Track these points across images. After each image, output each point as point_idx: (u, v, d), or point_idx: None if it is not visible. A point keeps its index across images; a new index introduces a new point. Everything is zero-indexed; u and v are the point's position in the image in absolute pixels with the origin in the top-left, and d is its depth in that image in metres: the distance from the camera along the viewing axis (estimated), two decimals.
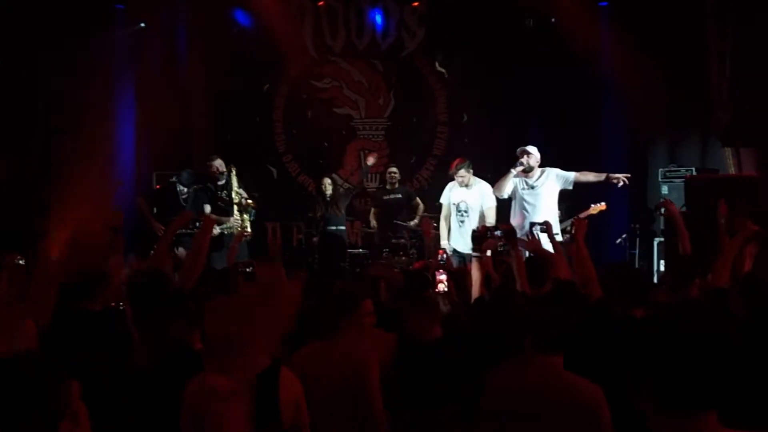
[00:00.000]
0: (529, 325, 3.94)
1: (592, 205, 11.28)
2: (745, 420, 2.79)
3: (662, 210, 11.42)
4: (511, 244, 6.09)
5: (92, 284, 5.50)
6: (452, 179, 11.36)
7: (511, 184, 10.60)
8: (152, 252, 6.30)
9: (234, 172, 11.50)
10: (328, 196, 12.44)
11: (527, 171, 10.55)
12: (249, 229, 11.38)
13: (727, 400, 2.55)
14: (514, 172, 10.53)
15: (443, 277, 6.30)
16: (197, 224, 10.08)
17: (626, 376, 2.62)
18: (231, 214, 11.44)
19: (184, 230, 10.33)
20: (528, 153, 10.55)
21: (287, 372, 3.87)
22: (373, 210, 12.98)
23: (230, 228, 11.36)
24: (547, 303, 5.38)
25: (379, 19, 14.70)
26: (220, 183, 11.54)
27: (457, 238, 11.17)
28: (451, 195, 11.45)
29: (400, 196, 12.48)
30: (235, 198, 11.43)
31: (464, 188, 11.26)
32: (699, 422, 2.54)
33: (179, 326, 4.58)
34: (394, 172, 12.70)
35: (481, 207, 11.18)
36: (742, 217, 6.59)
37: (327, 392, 4.32)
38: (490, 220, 11.05)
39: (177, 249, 10.71)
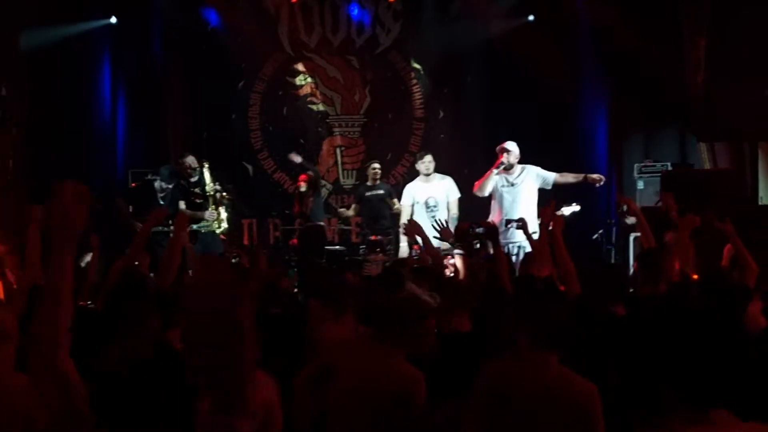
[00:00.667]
0: (523, 323, 3.91)
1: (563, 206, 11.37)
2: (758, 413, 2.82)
3: (624, 208, 11.55)
4: (493, 241, 6.07)
5: None
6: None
7: (492, 183, 10.63)
8: (128, 250, 6.23)
9: (207, 167, 11.47)
10: (302, 189, 12.26)
11: (507, 168, 10.57)
12: (225, 224, 11.38)
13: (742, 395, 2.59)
14: (495, 171, 10.56)
15: (452, 261, 6.33)
16: (171, 222, 10.07)
17: (622, 372, 2.64)
18: (206, 208, 11.40)
19: (160, 228, 10.30)
20: (507, 150, 10.59)
21: None
22: (353, 205, 12.89)
23: (207, 223, 11.34)
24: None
25: (356, 12, 14.63)
26: (192, 180, 11.50)
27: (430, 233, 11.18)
28: (416, 193, 11.63)
29: (381, 192, 12.42)
30: (210, 192, 11.39)
31: (428, 183, 11.45)
32: (716, 417, 2.57)
33: (157, 326, 4.52)
34: (377, 169, 12.61)
35: (447, 199, 11.31)
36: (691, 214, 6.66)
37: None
38: (454, 211, 11.20)
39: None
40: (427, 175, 11.67)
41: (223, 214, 11.42)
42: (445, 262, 6.72)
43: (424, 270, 6.40)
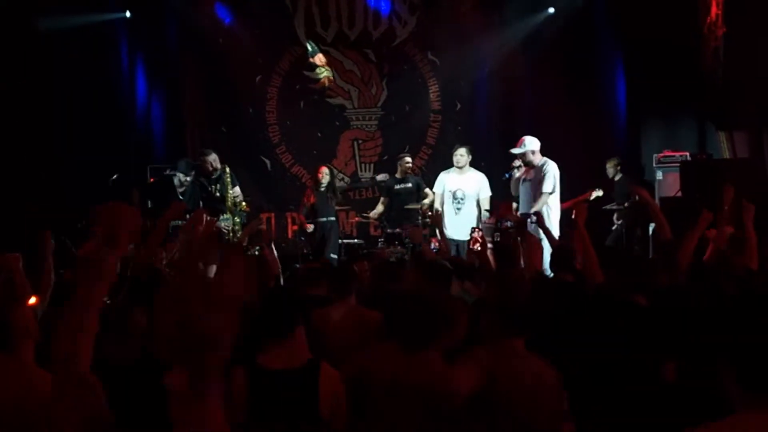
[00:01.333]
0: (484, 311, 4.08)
1: (592, 192, 11.40)
2: None
3: (636, 197, 11.55)
4: (522, 235, 6.08)
5: None
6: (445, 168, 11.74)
7: (514, 184, 10.66)
8: (144, 245, 6.24)
9: (228, 171, 11.13)
10: (322, 185, 12.21)
11: (528, 165, 10.53)
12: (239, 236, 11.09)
13: None
14: (516, 174, 10.59)
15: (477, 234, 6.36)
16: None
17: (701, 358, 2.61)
18: (223, 212, 10.99)
19: (179, 223, 10.26)
20: (518, 156, 10.56)
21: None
22: (382, 199, 12.81)
23: (229, 234, 10.98)
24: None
25: (371, 9, 14.64)
26: (213, 177, 11.20)
27: (453, 225, 11.25)
28: (447, 182, 11.61)
29: (410, 185, 12.39)
30: (229, 200, 11.05)
31: (460, 176, 11.40)
32: None
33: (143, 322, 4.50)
34: (408, 162, 12.55)
35: (478, 196, 11.33)
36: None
37: None
38: (486, 206, 11.20)
39: None
40: (460, 167, 11.64)
41: (238, 224, 11.03)
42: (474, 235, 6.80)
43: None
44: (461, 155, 11.62)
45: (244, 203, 11.16)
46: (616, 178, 12.70)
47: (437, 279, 5.58)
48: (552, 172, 10.33)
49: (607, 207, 12.30)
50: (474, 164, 12.08)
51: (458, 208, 11.41)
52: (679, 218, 9.87)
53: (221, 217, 10.80)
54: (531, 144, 10.52)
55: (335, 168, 14.14)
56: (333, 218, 12.26)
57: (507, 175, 11.01)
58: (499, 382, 3.84)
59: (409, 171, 12.48)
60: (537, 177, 10.39)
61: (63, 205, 11.73)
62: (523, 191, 10.61)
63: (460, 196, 11.54)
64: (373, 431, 3.97)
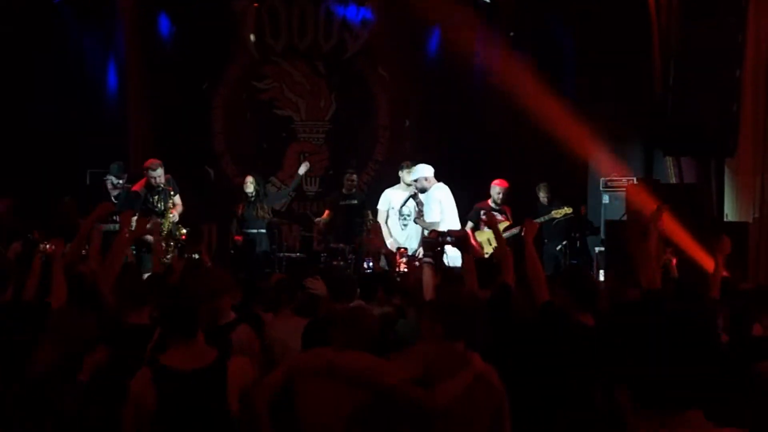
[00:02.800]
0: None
1: (554, 210, 11.38)
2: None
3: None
4: (464, 250, 5.96)
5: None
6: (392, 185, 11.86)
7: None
8: (68, 246, 6.11)
9: (171, 182, 10.85)
10: (249, 195, 11.98)
11: (422, 191, 10.84)
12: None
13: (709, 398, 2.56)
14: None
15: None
16: (115, 217, 9.81)
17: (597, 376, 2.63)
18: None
19: (112, 228, 9.94)
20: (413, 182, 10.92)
21: None
22: (327, 212, 12.66)
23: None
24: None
25: (323, 22, 14.51)
26: (159, 189, 10.85)
27: (400, 241, 11.39)
28: (392, 199, 11.67)
29: (356, 201, 12.26)
30: (167, 222, 10.68)
31: (406, 192, 11.49)
32: (691, 418, 2.55)
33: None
34: (352, 179, 12.42)
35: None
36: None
37: None
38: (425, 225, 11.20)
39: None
40: (408, 185, 11.55)
41: (170, 253, 10.40)
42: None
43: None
44: (408, 173, 11.51)
45: (181, 233, 10.74)
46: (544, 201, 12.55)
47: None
48: (437, 198, 10.63)
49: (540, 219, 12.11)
50: None
51: (404, 224, 11.45)
52: (623, 242, 9.94)
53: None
54: (423, 171, 10.77)
55: (278, 180, 13.98)
56: (263, 230, 12.08)
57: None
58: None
59: (355, 188, 12.37)
60: (426, 203, 10.75)
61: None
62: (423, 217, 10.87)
63: (407, 212, 11.48)
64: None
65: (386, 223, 11.62)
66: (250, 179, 12.06)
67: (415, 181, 10.83)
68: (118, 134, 13.94)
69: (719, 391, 2.70)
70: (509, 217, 11.71)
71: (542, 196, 12.50)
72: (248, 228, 12.01)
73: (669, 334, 2.75)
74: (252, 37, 14.23)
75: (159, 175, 10.81)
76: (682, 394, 2.60)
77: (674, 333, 2.74)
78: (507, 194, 11.75)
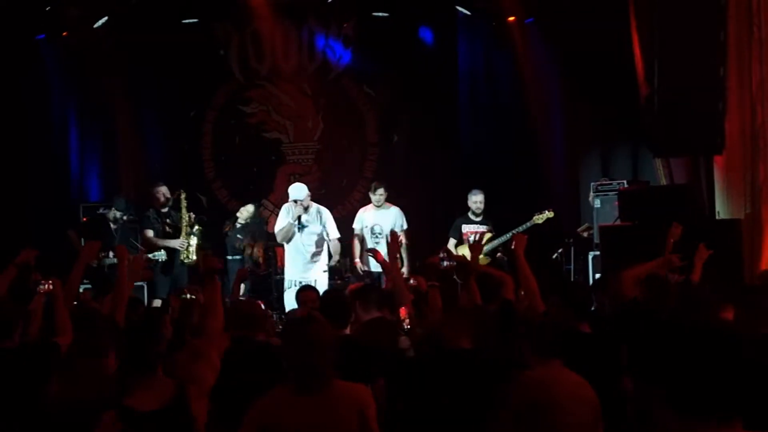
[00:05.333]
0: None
1: (535, 215, 11.36)
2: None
3: (585, 234, 11.66)
4: (465, 274, 5.98)
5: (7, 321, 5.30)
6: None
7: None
8: (65, 285, 6.09)
9: (183, 196, 11.35)
10: (239, 222, 12.30)
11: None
12: (194, 255, 11.15)
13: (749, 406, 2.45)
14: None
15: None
16: (110, 254, 9.92)
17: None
18: (178, 237, 11.26)
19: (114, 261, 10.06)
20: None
21: None
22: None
23: (185, 252, 11.21)
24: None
25: (306, 43, 14.54)
26: (164, 210, 11.34)
27: (372, 260, 11.27)
28: (365, 219, 11.91)
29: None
30: (185, 222, 11.28)
31: (377, 212, 11.82)
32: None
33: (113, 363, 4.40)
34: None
35: (394, 229, 11.47)
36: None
37: None
38: (404, 241, 11.48)
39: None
40: (378, 206, 11.81)
41: (193, 245, 11.23)
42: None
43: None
44: (381, 194, 11.79)
45: (198, 225, 11.41)
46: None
47: None
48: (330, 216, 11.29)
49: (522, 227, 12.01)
50: (410, 196, 12.40)
51: (377, 242, 11.51)
52: (618, 246, 9.97)
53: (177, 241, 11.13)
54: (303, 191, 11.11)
55: (270, 202, 14.04)
56: (242, 257, 12.36)
57: None
58: None
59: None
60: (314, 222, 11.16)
61: None
62: (306, 233, 11.13)
63: (378, 231, 11.74)
64: None
65: (361, 242, 11.82)
66: (249, 208, 12.30)
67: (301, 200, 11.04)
68: (109, 168, 14.00)
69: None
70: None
71: (474, 201, 11.94)
72: (230, 255, 12.32)
73: None
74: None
75: (165, 190, 11.33)
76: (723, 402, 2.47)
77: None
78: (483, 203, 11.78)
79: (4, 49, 13.09)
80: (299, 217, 11.03)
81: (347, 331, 5.65)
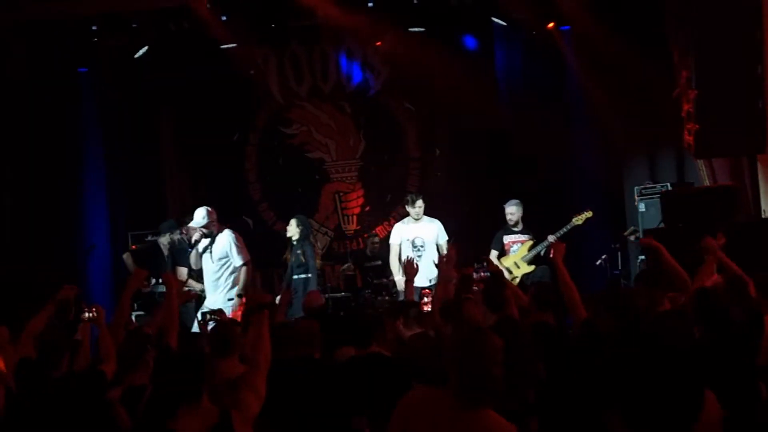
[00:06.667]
0: None
1: (574, 217, 11.35)
2: None
3: (632, 237, 11.59)
4: (500, 284, 6.03)
5: (54, 351, 5.42)
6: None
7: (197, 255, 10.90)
8: (114, 313, 6.20)
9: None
10: (293, 240, 11.88)
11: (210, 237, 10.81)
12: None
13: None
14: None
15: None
16: (158, 281, 9.97)
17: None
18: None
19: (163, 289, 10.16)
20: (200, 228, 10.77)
21: None
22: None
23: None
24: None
25: (344, 63, 14.66)
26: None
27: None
28: (404, 232, 11.77)
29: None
30: None
31: (416, 224, 11.69)
32: None
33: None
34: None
35: (436, 241, 11.59)
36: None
37: None
38: (444, 252, 11.15)
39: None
40: (417, 218, 11.70)
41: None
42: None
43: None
44: (420, 206, 11.65)
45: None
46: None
47: None
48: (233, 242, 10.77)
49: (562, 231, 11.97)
50: (455, 209, 12.60)
51: (419, 255, 11.35)
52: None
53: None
54: (208, 215, 10.70)
55: (316, 221, 14.12)
56: (308, 275, 11.72)
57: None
58: None
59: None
60: (219, 247, 10.68)
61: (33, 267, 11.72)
62: (205, 261, 10.80)
63: (420, 243, 11.61)
64: None
65: (398, 257, 11.62)
66: (292, 222, 12.03)
67: (204, 226, 10.71)
68: (156, 196, 14.20)
69: None
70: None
71: (508, 212, 11.98)
72: (294, 275, 11.77)
73: None
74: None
75: (197, 224, 10.86)
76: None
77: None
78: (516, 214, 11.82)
79: (49, 81, 13.33)
80: (197, 242, 10.75)
81: (374, 348, 5.69)
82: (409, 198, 11.91)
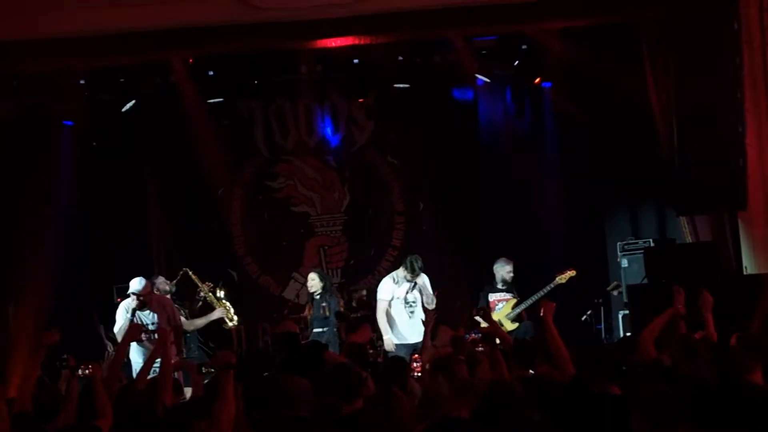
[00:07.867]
0: None
1: (558, 276, 11.42)
2: None
3: (615, 292, 11.71)
4: (491, 345, 6.10)
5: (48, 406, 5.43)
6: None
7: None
8: (105, 367, 6.22)
9: (190, 272, 11.85)
10: (315, 294, 11.89)
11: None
12: (235, 317, 11.70)
13: None
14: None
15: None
16: (153, 335, 9.96)
17: None
18: (216, 307, 11.71)
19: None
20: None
21: None
22: None
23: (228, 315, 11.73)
24: None
25: (328, 117, 14.77)
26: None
27: (407, 330, 11.35)
28: (395, 288, 11.54)
29: None
30: (205, 294, 11.80)
31: (409, 282, 11.42)
32: None
33: None
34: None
35: (422, 297, 11.46)
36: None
37: None
38: (432, 306, 11.22)
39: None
40: (410, 280, 11.38)
41: (230, 307, 11.57)
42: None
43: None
44: (420, 267, 11.32)
45: (217, 289, 12.05)
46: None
47: None
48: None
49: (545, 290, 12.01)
50: (440, 262, 12.60)
51: (411, 312, 11.34)
52: (646, 305, 9.99)
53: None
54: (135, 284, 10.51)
55: (301, 275, 14.12)
56: (326, 329, 11.67)
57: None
58: None
59: None
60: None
61: None
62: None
63: (412, 299, 11.47)
64: None
65: (386, 313, 11.43)
66: (311, 276, 12.13)
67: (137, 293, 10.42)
68: (139, 249, 14.16)
69: None
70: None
71: (503, 273, 12.06)
72: (313, 328, 11.78)
73: None
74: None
75: (161, 281, 11.44)
76: None
77: None
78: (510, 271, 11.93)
79: (34, 133, 13.21)
80: (134, 311, 10.38)
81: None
82: (408, 264, 11.35)
